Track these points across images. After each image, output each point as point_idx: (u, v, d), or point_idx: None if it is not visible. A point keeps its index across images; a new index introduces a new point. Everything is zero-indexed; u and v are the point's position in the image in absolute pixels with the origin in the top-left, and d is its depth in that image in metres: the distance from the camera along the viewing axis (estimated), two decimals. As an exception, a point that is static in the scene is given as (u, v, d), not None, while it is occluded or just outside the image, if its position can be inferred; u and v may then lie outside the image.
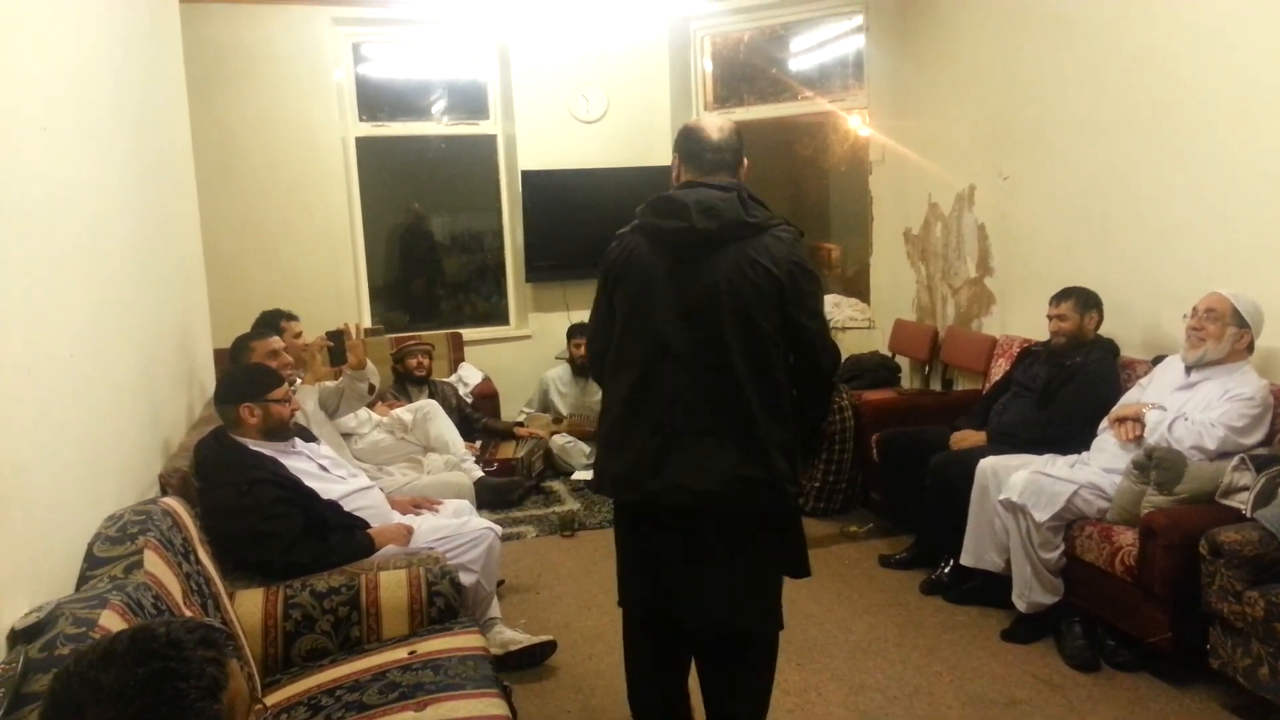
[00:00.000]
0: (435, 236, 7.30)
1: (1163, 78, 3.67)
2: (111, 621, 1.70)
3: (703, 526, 2.28)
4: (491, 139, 6.44)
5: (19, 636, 1.61)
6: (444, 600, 2.70)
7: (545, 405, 5.95)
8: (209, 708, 1.07)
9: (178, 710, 1.04)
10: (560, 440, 5.55)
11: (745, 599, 2.34)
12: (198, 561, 2.34)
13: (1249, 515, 2.79)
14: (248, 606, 2.55)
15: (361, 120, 6.14)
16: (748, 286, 2.19)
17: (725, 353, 2.20)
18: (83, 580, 2.00)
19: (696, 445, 2.22)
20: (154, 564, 2.05)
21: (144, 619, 1.82)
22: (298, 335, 4.01)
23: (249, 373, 3.10)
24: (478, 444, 5.09)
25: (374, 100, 6.24)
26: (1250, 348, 3.22)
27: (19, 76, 1.98)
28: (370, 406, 4.47)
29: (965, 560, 3.54)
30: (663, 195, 2.32)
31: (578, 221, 5.93)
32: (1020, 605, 3.32)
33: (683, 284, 2.24)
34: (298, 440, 3.14)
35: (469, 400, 5.53)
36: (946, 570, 3.74)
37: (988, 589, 3.54)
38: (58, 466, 2.01)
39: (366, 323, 6.04)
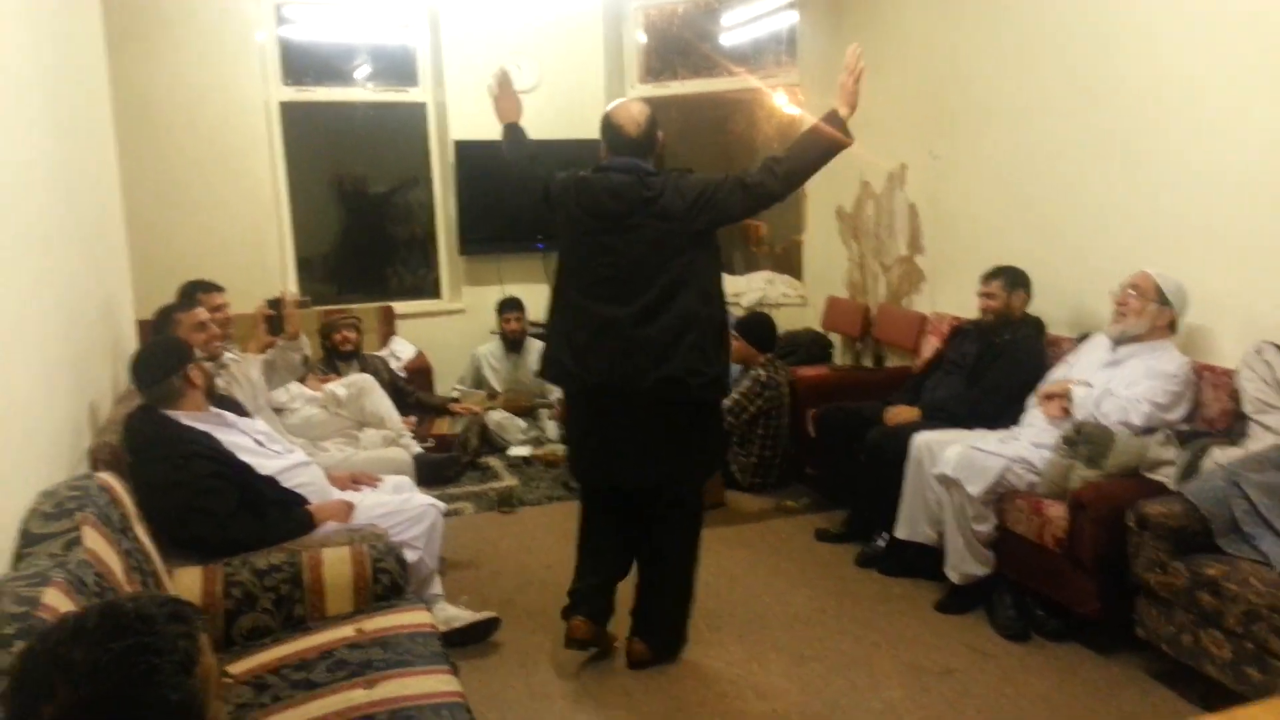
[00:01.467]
0: (365, 206, 7.11)
1: (1095, 62, 3.77)
2: (55, 599, 1.63)
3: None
4: (421, 107, 6.30)
5: (-42, 618, 1.53)
6: (389, 577, 2.65)
7: (479, 381, 5.88)
8: (183, 682, 1.03)
9: (152, 686, 1.01)
10: (496, 416, 5.50)
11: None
12: (136, 539, 2.26)
13: (1174, 488, 2.91)
14: (186, 584, 2.47)
15: (286, 84, 5.95)
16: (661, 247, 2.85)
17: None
18: (19, 557, 1.91)
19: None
20: (94, 541, 1.97)
21: (87, 597, 1.75)
22: (218, 307, 3.81)
23: (168, 341, 2.98)
24: (414, 419, 5.00)
25: (299, 64, 6.05)
26: (1173, 326, 3.34)
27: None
28: (300, 381, 4.36)
29: (899, 533, 3.62)
30: (582, 178, 2.95)
31: (512, 193, 5.82)
32: (953, 577, 3.41)
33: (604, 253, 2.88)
34: (230, 414, 3.04)
35: (401, 374, 5.43)
36: (881, 544, 3.82)
37: (920, 561, 3.62)
38: (-11, 439, 1.91)
39: (292, 294, 5.87)
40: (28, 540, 1.96)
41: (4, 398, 2.05)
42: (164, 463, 2.65)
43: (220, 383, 3.40)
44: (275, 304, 3.76)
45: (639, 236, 2.84)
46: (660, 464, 2.95)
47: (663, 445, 2.93)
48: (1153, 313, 3.31)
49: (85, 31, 3.69)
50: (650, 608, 3.11)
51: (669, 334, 2.81)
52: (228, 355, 3.62)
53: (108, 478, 2.32)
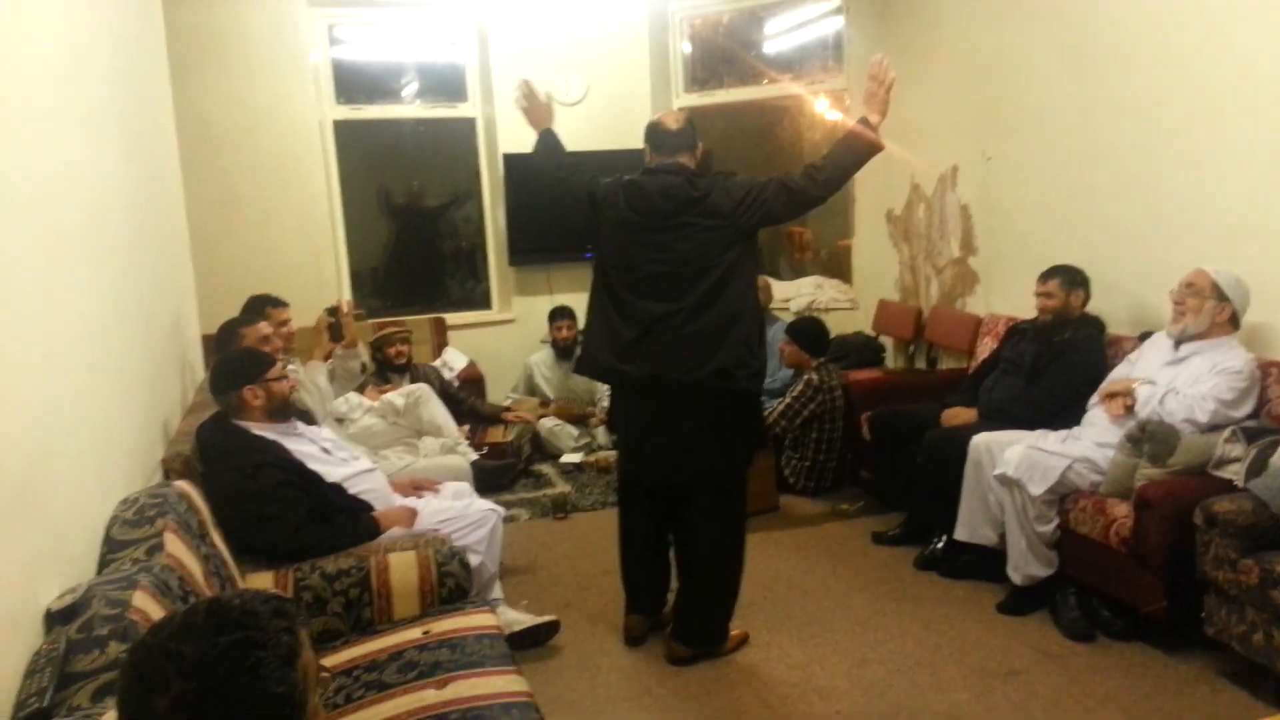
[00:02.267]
0: (417, 220, 7.23)
1: (1150, 57, 3.73)
2: (143, 602, 1.69)
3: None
4: (471, 122, 6.40)
5: (56, 618, 1.60)
6: (454, 581, 2.70)
7: (531, 389, 5.94)
8: (287, 675, 1.08)
9: (258, 678, 1.05)
10: (548, 423, 5.55)
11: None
12: (213, 544, 2.34)
13: (1242, 486, 2.86)
14: (259, 588, 2.53)
15: (339, 103, 6.07)
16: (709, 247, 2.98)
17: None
18: (104, 563, 1.98)
19: None
20: (175, 546, 2.04)
21: (172, 600, 1.82)
22: (284, 323, 3.92)
23: (243, 357, 3.06)
24: (466, 428, 5.07)
25: (351, 83, 6.17)
26: (1234, 321, 3.27)
27: (24, 58, 1.95)
28: (359, 391, 4.44)
29: (959, 535, 3.60)
30: (631, 180, 3.09)
31: (560, 204, 5.89)
32: (1016, 578, 3.38)
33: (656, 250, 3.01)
34: (299, 423, 3.12)
35: (454, 384, 5.50)
36: (940, 546, 3.79)
37: (981, 563, 3.60)
38: (76, 450, 1.99)
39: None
40: (112, 546, 2.04)
41: (88, 409, 2.13)
42: (235, 472, 2.72)
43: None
44: (334, 312, 3.85)
45: (689, 234, 2.97)
46: (707, 455, 3.05)
47: (709, 437, 3.03)
48: (1211, 310, 3.26)
49: (153, 59, 3.81)
50: (694, 608, 3.18)
51: (718, 328, 2.93)
52: (290, 368, 3.70)
53: (185, 486, 2.40)
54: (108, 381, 2.35)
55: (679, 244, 2.97)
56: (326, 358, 3.80)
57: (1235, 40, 3.37)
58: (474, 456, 4.58)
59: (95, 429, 2.17)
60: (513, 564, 3.94)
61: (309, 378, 3.68)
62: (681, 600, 3.23)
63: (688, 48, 6.61)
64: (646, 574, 3.31)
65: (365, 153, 6.41)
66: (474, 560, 2.98)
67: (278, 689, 1.07)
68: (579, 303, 5.93)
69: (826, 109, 6.48)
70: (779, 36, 6.60)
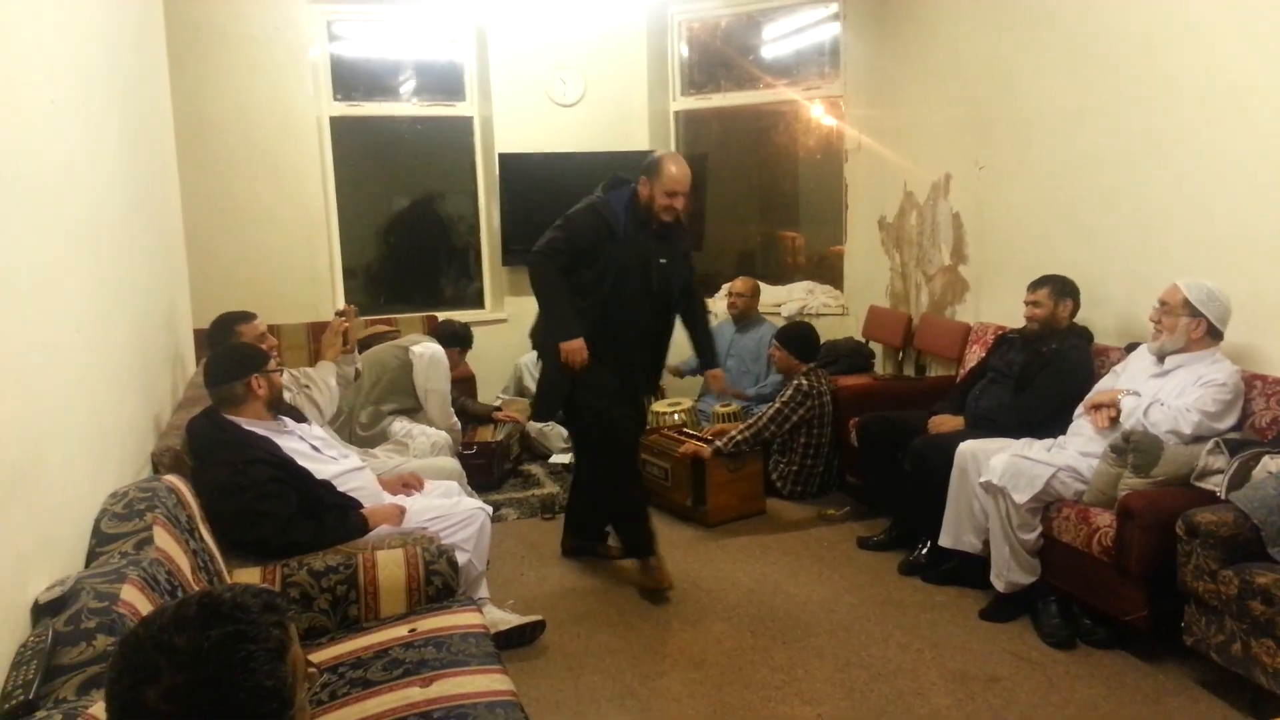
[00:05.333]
0: (411, 219, 7.23)
1: (1143, 69, 3.76)
2: (132, 596, 1.71)
3: None
4: (468, 121, 6.42)
5: (44, 610, 1.62)
6: (441, 579, 2.72)
7: (520, 390, 5.96)
8: (277, 669, 1.09)
9: (248, 671, 1.07)
10: (537, 424, 5.56)
11: None
12: (202, 539, 2.35)
13: (1224, 497, 2.89)
14: (249, 583, 2.54)
15: (336, 100, 6.08)
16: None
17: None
18: (92, 555, 2.00)
19: None
20: (164, 540, 2.05)
21: (160, 594, 1.83)
22: (260, 339, 3.87)
23: (244, 348, 3.09)
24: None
25: (348, 80, 6.18)
26: (1213, 333, 3.29)
27: (24, 53, 1.96)
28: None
29: (943, 541, 3.63)
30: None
31: (554, 205, 5.88)
32: (998, 585, 3.41)
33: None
34: (289, 420, 3.13)
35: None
36: (924, 552, 3.82)
37: (964, 570, 3.63)
38: (69, 442, 2.00)
39: (341, 304, 6.00)
40: (100, 539, 2.05)
41: (81, 402, 2.14)
42: (226, 467, 2.73)
43: (288, 395, 3.48)
44: (342, 314, 3.89)
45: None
46: None
47: None
48: (1185, 326, 3.28)
49: (151, 54, 3.82)
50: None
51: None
52: (288, 374, 3.72)
53: (174, 480, 2.41)
54: (101, 375, 2.36)
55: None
56: (336, 359, 3.83)
57: (1226, 53, 3.40)
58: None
59: (87, 422, 2.18)
60: (501, 563, 3.96)
61: (320, 377, 3.71)
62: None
63: (685, 51, 6.63)
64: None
65: (361, 150, 6.40)
66: (461, 558, 2.98)
67: (267, 682, 1.09)
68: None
69: (822, 114, 6.51)
70: (776, 41, 6.63)
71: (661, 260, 3.74)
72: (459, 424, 4.82)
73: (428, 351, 4.56)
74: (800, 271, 6.95)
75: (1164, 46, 3.66)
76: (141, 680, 1.04)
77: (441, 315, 6.25)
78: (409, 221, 7.11)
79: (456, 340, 5.01)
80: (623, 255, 3.67)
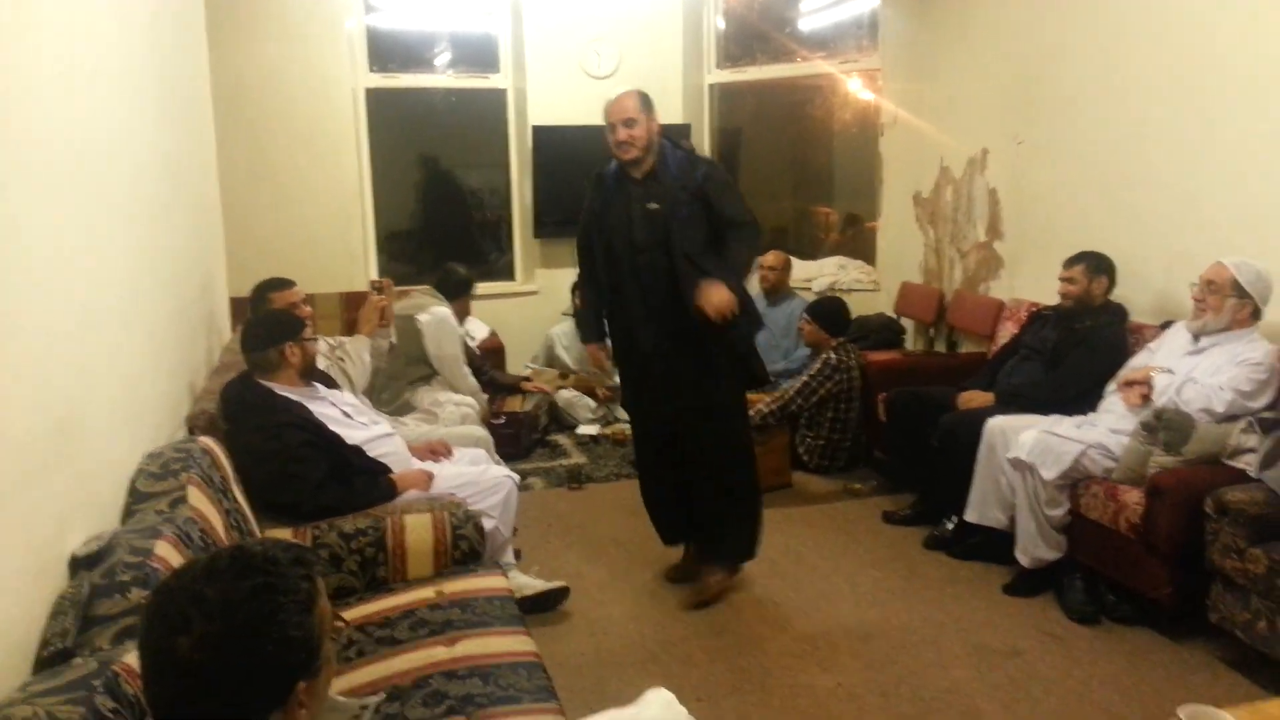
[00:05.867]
0: (444, 191, 7.28)
1: (1182, 44, 3.69)
2: (165, 551, 1.76)
3: None
4: (501, 93, 6.43)
5: (81, 563, 1.67)
6: (468, 544, 2.76)
7: (550, 361, 6.00)
8: (305, 620, 1.13)
9: (277, 622, 1.10)
10: (566, 395, 5.61)
11: None
12: (234, 499, 2.41)
13: (1255, 476, 2.86)
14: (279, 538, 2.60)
15: (372, 71, 6.12)
16: None
17: None
18: (128, 513, 2.06)
19: None
20: (198, 500, 2.11)
21: (193, 551, 1.89)
22: (292, 306, 3.95)
23: (281, 316, 3.15)
24: (485, 397, 5.14)
25: (384, 51, 6.21)
26: (1256, 314, 3.26)
27: (67, 21, 2.00)
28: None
29: (970, 516, 3.62)
30: None
31: (587, 177, 5.93)
32: (1023, 560, 3.40)
33: None
34: (321, 386, 3.19)
35: (475, 353, 5.55)
36: (950, 526, 3.82)
37: (989, 545, 3.62)
38: (106, 403, 2.06)
39: (374, 275, 6.08)
40: (136, 497, 2.11)
41: (119, 366, 2.20)
42: (259, 431, 2.79)
43: (323, 363, 3.54)
44: (380, 290, 3.94)
45: None
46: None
47: None
48: (1232, 307, 3.24)
49: (190, 26, 3.87)
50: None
51: None
52: (323, 341, 3.78)
53: (209, 442, 2.47)
54: (139, 340, 2.42)
55: None
56: (372, 333, 3.88)
57: (1271, 31, 3.33)
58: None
59: (125, 384, 2.24)
60: (527, 531, 4.00)
61: (355, 351, 3.77)
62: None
63: (722, 23, 6.59)
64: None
65: (396, 121, 6.45)
66: (488, 525, 3.03)
67: (295, 633, 1.12)
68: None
69: (859, 88, 6.45)
70: (814, 14, 6.57)
71: (650, 206, 3.24)
72: (475, 383, 4.72)
73: (433, 317, 4.49)
74: (834, 247, 6.91)
75: (1208, 23, 3.59)
76: (173, 629, 1.08)
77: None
78: (442, 193, 7.16)
79: (460, 289, 4.82)
80: (610, 215, 3.32)
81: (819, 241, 7.18)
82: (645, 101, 3.23)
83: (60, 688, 1.29)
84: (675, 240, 3.20)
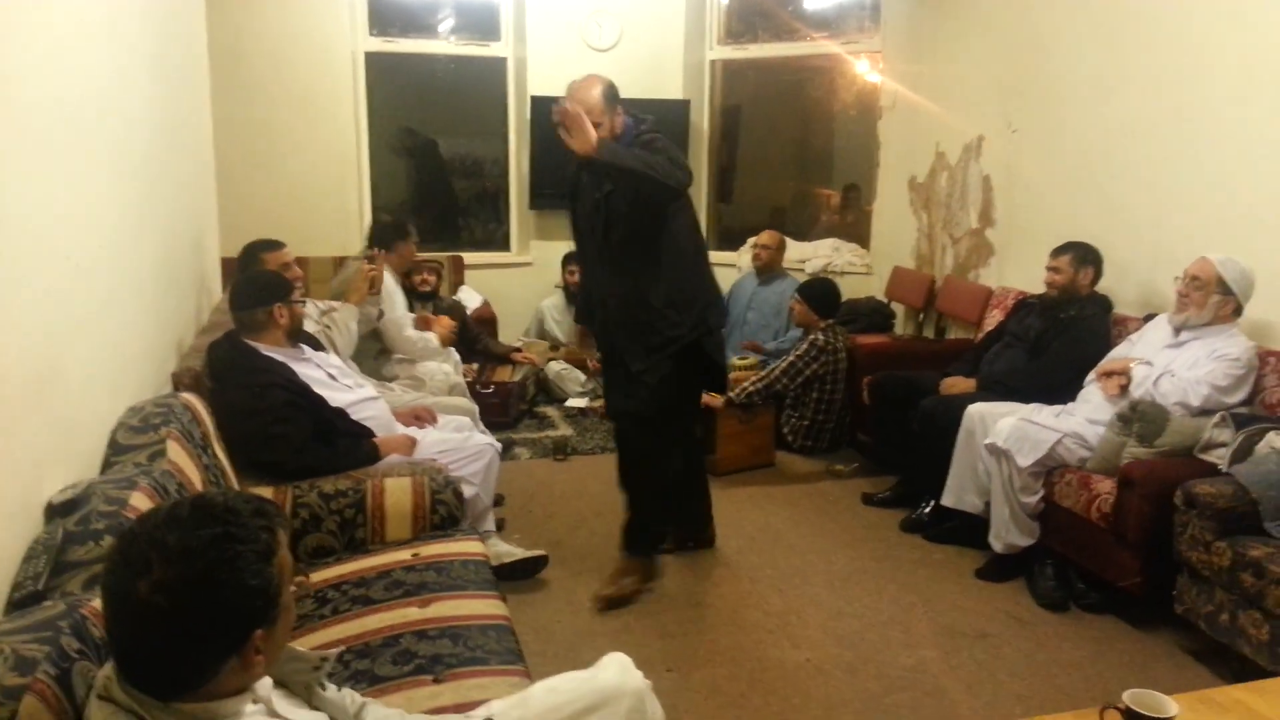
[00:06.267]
0: (441, 159, 7.27)
1: (1176, 40, 3.70)
2: (140, 502, 1.79)
3: None
4: (501, 62, 6.41)
5: (56, 510, 1.70)
6: (446, 509, 2.79)
7: (542, 333, 6.02)
8: (263, 569, 1.16)
9: (235, 570, 1.13)
10: (555, 367, 5.64)
11: None
12: (215, 455, 2.43)
13: (1225, 470, 2.90)
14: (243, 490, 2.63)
15: (372, 34, 6.09)
16: None
17: None
18: (107, 464, 2.08)
19: None
20: (176, 454, 2.13)
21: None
22: (284, 268, 3.85)
23: (270, 276, 3.17)
24: (475, 367, 5.17)
25: (385, 14, 6.18)
26: (1237, 311, 3.29)
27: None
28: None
29: (946, 501, 3.67)
30: None
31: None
32: (996, 546, 3.45)
33: None
34: (306, 348, 3.21)
35: (469, 320, 5.58)
36: (927, 510, 3.86)
37: (965, 530, 3.66)
38: (88, 356, 2.08)
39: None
40: (115, 450, 2.14)
41: (103, 318, 2.22)
42: (243, 390, 2.82)
43: (313, 326, 3.56)
44: (371, 259, 3.95)
45: None
46: None
47: None
48: (1215, 304, 3.26)
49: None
50: None
51: None
52: (312, 304, 3.79)
53: (191, 398, 2.50)
54: (124, 293, 2.44)
55: None
56: (360, 303, 3.90)
57: (1260, 31, 3.34)
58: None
59: (108, 338, 2.26)
60: (510, 500, 4.05)
61: (341, 320, 3.79)
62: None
63: (725, -1, 6.57)
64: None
65: (395, 87, 6.43)
66: (468, 491, 3.07)
67: (253, 581, 1.15)
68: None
69: (861, 70, 6.43)
70: (818, -7, 6.54)
71: (608, 188, 3.11)
72: (423, 343, 4.37)
73: None
74: (835, 229, 6.91)
75: (1199, 20, 3.60)
76: (134, 572, 1.11)
77: (468, 256, 6.32)
78: (439, 161, 7.15)
79: (394, 234, 4.48)
80: (580, 200, 3.26)
81: (820, 223, 7.18)
82: (610, 96, 3.03)
83: (28, 627, 1.32)
84: (634, 220, 3.10)
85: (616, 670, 1.58)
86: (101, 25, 2.37)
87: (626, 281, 3.17)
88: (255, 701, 1.25)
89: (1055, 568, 3.32)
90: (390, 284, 4.22)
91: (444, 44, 6.45)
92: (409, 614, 2.22)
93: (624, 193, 3.06)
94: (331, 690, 1.44)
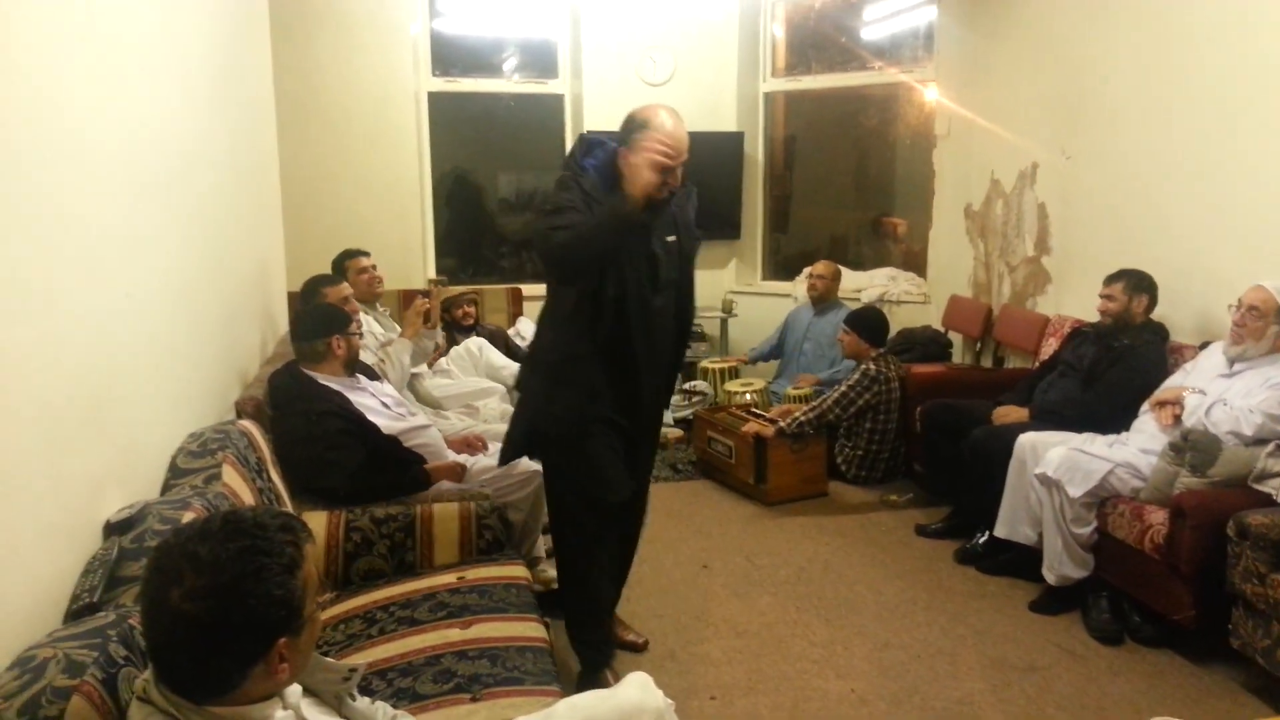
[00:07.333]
0: (500, 194, 7.43)
1: (1231, 67, 3.64)
2: (193, 522, 1.88)
3: None
4: (559, 99, 6.55)
5: (114, 528, 1.81)
6: (492, 534, 2.87)
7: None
8: (287, 581, 1.24)
9: (261, 581, 1.21)
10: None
11: None
12: (269, 479, 2.54)
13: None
14: (313, 527, 2.69)
15: (434, 75, 6.29)
16: None
17: None
18: (166, 487, 2.20)
19: None
20: (231, 477, 2.24)
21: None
22: (363, 270, 4.31)
23: (331, 310, 3.30)
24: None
25: (447, 55, 6.38)
26: (1294, 338, 3.21)
27: (122, 16, 2.14)
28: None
29: (999, 532, 3.62)
30: None
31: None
32: (1050, 578, 3.39)
33: None
34: (362, 377, 3.32)
35: (520, 345, 5.66)
36: (981, 541, 3.82)
37: (1020, 562, 3.61)
38: (149, 384, 2.20)
39: (432, 274, 6.24)
40: (175, 473, 2.26)
41: (162, 347, 2.35)
42: (301, 417, 2.93)
43: (371, 358, 3.70)
44: (426, 295, 4.10)
45: None
46: None
47: None
48: (1273, 334, 3.20)
49: (254, 23, 4.05)
50: None
51: None
52: (370, 318, 3.93)
53: (248, 424, 2.62)
54: (184, 324, 2.56)
55: None
56: (414, 336, 4.05)
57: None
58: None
59: (168, 366, 2.38)
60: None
61: (395, 354, 3.93)
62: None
63: (779, 31, 6.64)
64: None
65: (456, 124, 6.61)
66: (515, 517, 3.15)
67: (277, 591, 1.23)
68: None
69: (916, 99, 6.44)
70: (871, 24, 6.58)
71: (669, 239, 2.75)
72: (404, 360, 4.07)
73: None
74: (901, 259, 6.88)
75: (1254, 47, 3.54)
76: (168, 581, 1.20)
77: (525, 288, 6.44)
78: (498, 196, 7.31)
79: (336, 274, 4.21)
80: (625, 247, 2.64)
81: (888, 252, 7.13)
82: None
83: (80, 634, 1.41)
84: (688, 277, 2.85)
85: (637, 688, 1.62)
86: (169, 69, 2.51)
87: (681, 325, 2.90)
88: (285, 708, 1.32)
89: (1110, 600, 3.26)
90: (406, 360, 4.06)
91: (504, 83, 6.62)
92: (450, 635, 2.29)
93: (687, 242, 2.84)
94: (362, 702, 1.51)
